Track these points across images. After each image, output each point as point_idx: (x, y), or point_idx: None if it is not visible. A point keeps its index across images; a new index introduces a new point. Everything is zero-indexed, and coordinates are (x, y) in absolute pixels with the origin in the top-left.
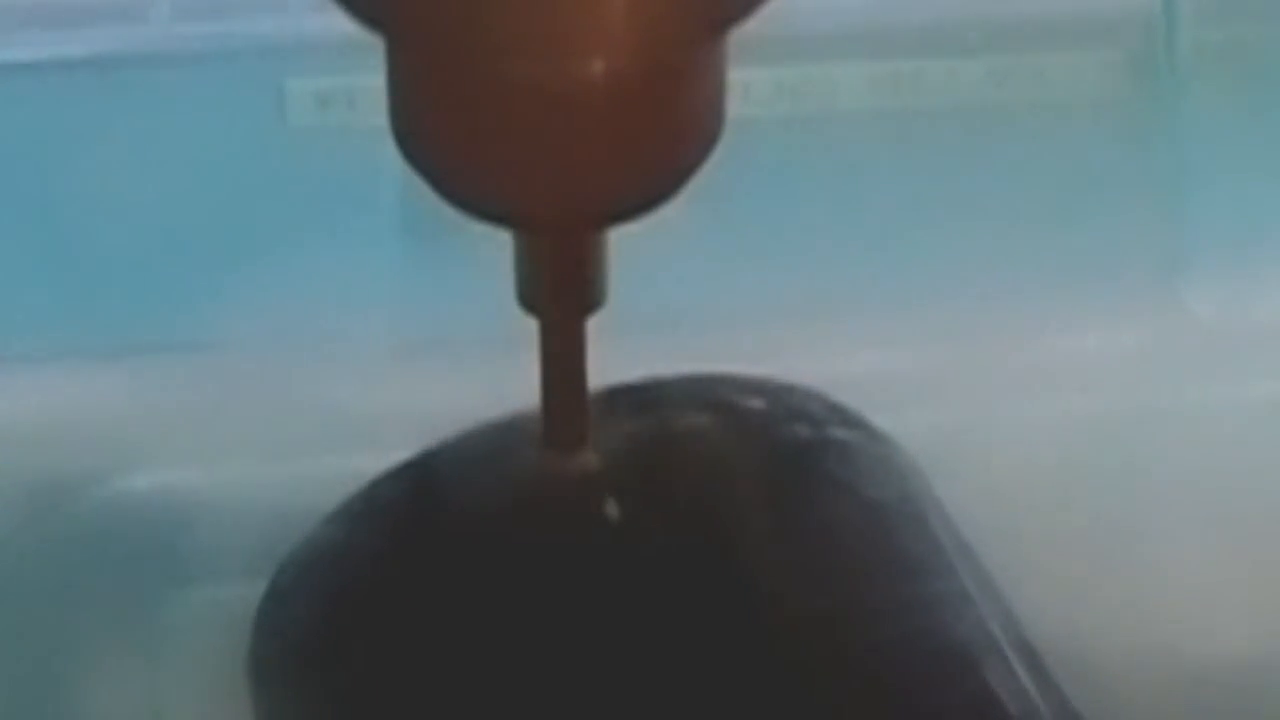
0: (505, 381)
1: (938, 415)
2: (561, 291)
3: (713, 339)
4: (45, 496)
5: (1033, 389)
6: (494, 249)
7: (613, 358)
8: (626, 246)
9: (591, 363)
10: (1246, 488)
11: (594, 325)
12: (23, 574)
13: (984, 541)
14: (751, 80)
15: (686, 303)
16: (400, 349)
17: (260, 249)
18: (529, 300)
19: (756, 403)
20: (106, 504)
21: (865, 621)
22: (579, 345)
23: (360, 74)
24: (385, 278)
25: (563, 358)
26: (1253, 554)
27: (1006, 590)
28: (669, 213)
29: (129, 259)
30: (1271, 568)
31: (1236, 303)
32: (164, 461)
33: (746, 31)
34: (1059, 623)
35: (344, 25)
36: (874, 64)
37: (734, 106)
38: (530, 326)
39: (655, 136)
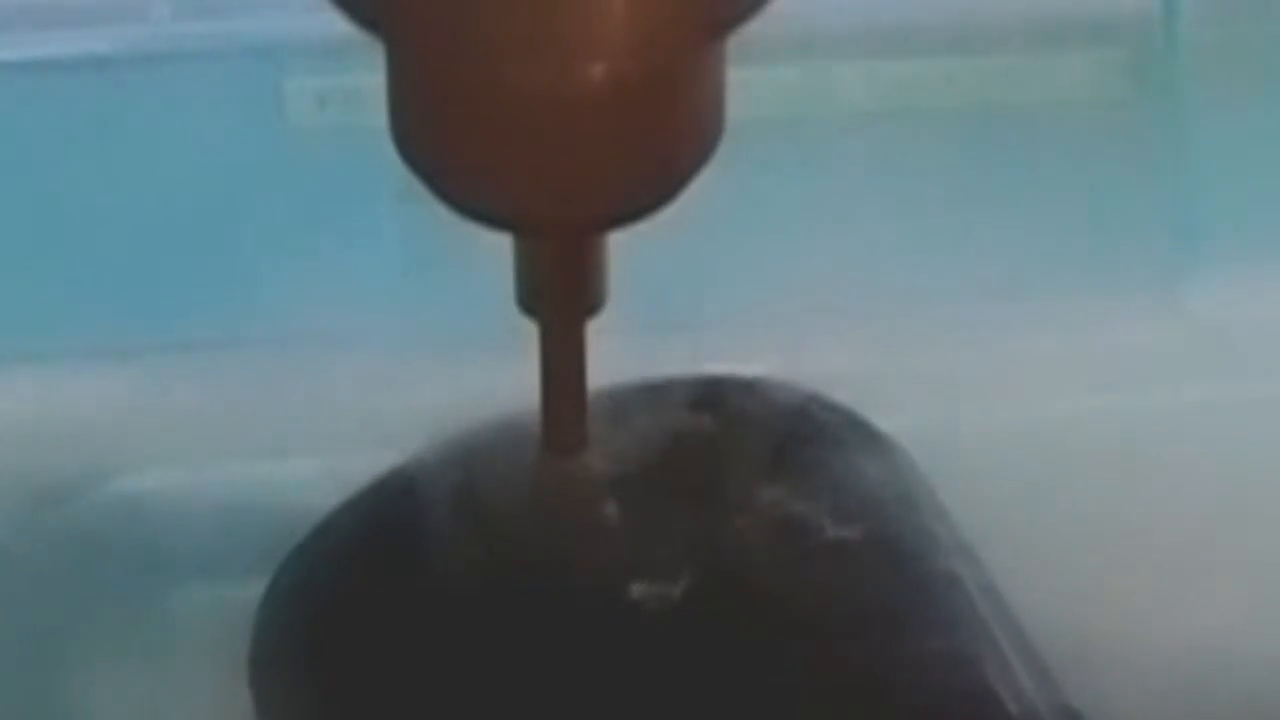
0: (505, 381)
1: (938, 415)
2: (561, 294)
3: (713, 339)
4: (46, 496)
5: (1033, 389)
6: (493, 250)
7: (613, 358)
8: (626, 247)
9: (591, 363)
10: (1246, 487)
11: (594, 325)
12: (23, 574)
13: (984, 541)
14: (751, 80)
15: (686, 303)
16: (399, 349)
17: (259, 249)
18: (529, 303)
19: (756, 403)
20: (106, 504)
21: (864, 621)
22: (579, 347)
23: (359, 74)
24: (384, 278)
25: (562, 360)
26: (1253, 553)
27: (1006, 590)
28: (669, 213)
29: (128, 258)
30: (1271, 566)
31: (1236, 303)
32: (164, 461)
33: (746, 31)
34: (1059, 622)
35: (343, 25)
36: (874, 64)
37: (734, 106)
38: (530, 326)
39: (655, 139)
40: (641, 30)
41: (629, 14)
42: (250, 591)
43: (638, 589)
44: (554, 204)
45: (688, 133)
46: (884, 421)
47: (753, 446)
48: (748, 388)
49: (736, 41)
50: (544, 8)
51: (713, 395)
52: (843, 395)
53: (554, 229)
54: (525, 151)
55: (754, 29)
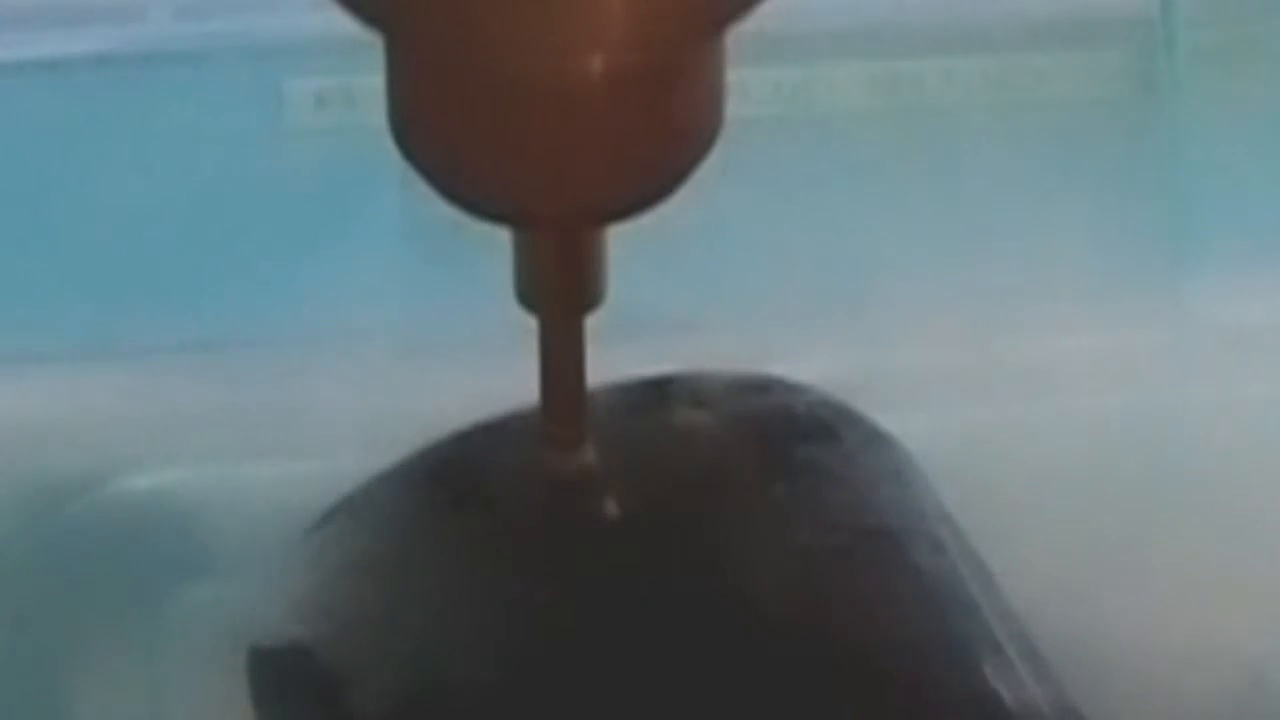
0: (505, 381)
1: (938, 415)
2: (560, 289)
3: (713, 339)
4: (46, 496)
5: (1033, 389)
6: (493, 249)
7: (613, 358)
8: (627, 246)
9: (591, 363)
10: (1245, 488)
11: (593, 325)
12: (23, 574)
13: (984, 541)
14: (751, 80)
15: (687, 303)
16: (400, 349)
17: (258, 249)
18: (528, 298)
19: (756, 401)
20: (107, 504)
21: (865, 619)
22: (578, 343)
23: (358, 74)
24: (384, 278)
25: (562, 356)
26: (1250, 554)
27: (1006, 589)
28: (669, 212)
29: (128, 259)
30: (1271, 566)
31: (1236, 303)
32: (164, 461)
33: (746, 31)
34: (1059, 620)
35: (342, 25)
36: (874, 64)
37: (734, 106)
38: (530, 326)
39: (653, 133)
40: (640, 24)
41: (627, 8)
42: (250, 591)
43: (636, 585)
44: (552, 198)
45: (687, 127)
46: (884, 420)
47: (753, 444)
48: (748, 385)
49: (736, 41)
50: (543, 3)
51: (712, 392)
52: (843, 394)
53: (553, 223)
54: (524, 145)
55: (754, 29)
